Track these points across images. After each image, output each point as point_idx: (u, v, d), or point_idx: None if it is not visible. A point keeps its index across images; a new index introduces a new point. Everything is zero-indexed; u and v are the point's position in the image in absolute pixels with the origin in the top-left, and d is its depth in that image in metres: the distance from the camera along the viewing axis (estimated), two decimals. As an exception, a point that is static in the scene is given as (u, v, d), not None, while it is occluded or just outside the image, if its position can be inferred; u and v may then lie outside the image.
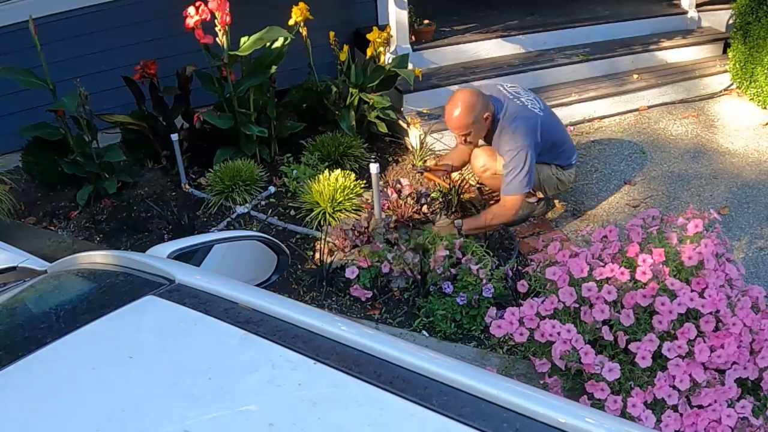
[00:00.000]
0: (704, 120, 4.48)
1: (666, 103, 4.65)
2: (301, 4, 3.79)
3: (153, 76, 3.78)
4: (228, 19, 3.50)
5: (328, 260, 3.24)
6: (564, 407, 1.07)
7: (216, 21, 3.50)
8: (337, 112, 4.06)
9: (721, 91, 4.76)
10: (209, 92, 3.84)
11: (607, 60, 4.72)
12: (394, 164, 4.11)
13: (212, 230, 3.54)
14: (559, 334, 2.35)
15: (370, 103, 4.01)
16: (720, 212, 3.47)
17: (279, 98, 4.13)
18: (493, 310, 2.70)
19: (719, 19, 5.16)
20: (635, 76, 4.70)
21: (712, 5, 5.23)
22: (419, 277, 3.02)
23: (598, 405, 2.25)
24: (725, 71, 4.76)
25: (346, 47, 4.02)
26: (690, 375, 2.20)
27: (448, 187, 3.54)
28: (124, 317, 1.32)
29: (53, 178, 3.90)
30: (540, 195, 3.56)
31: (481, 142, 3.43)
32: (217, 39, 3.58)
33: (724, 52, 4.91)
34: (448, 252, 3.01)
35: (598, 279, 2.39)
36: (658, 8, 5.26)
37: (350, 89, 4.01)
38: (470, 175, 3.74)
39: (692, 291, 2.29)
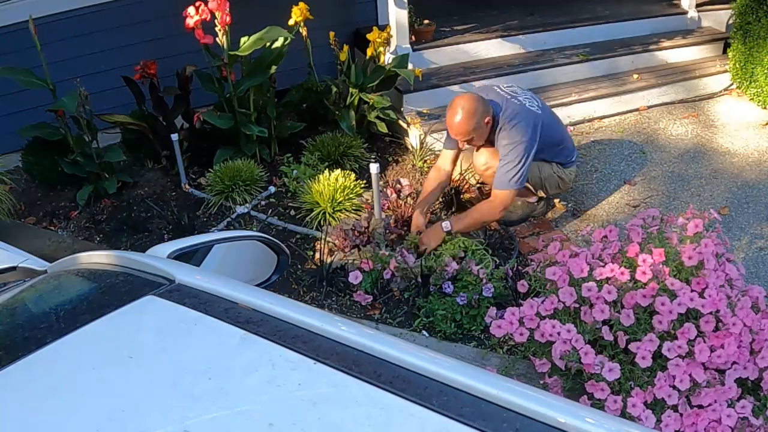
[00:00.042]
0: (704, 120, 4.49)
1: (666, 103, 4.65)
2: (301, 4, 3.79)
3: (153, 76, 3.78)
4: (228, 19, 3.50)
5: (328, 260, 3.24)
6: (564, 407, 1.07)
7: (216, 21, 3.50)
8: (337, 112, 4.06)
9: (721, 91, 4.76)
10: (209, 92, 3.84)
11: (607, 60, 4.72)
12: (394, 164, 4.11)
13: (212, 230, 3.54)
14: (559, 334, 2.35)
15: (370, 103, 4.01)
16: (720, 212, 3.47)
17: (279, 98, 4.13)
18: (493, 310, 2.71)
19: (719, 19, 5.16)
20: (635, 76, 4.70)
21: (712, 5, 5.23)
22: (420, 281, 3.02)
23: (598, 405, 2.25)
24: (725, 71, 4.76)
25: (346, 47, 4.02)
26: (690, 375, 2.20)
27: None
28: (124, 317, 1.32)
29: (53, 178, 3.90)
30: (541, 194, 3.56)
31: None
32: (217, 39, 3.58)
33: (724, 52, 4.91)
34: (455, 262, 2.99)
35: (598, 279, 2.39)
36: (658, 8, 5.26)
37: (350, 89, 4.01)
38: (470, 175, 3.74)
39: (692, 291, 2.29)
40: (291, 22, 3.80)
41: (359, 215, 3.46)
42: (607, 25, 4.95)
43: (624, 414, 2.21)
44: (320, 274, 3.17)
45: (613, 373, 2.23)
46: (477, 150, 3.41)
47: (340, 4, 4.61)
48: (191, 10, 3.47)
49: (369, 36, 3.96)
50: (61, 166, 3.74)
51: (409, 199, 3.47)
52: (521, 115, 3.21)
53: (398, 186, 3.55)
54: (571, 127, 4.34)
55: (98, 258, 1.69)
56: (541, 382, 2.47)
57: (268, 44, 3.72)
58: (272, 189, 3.82)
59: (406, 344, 1.25)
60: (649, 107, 4.61)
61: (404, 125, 4.22)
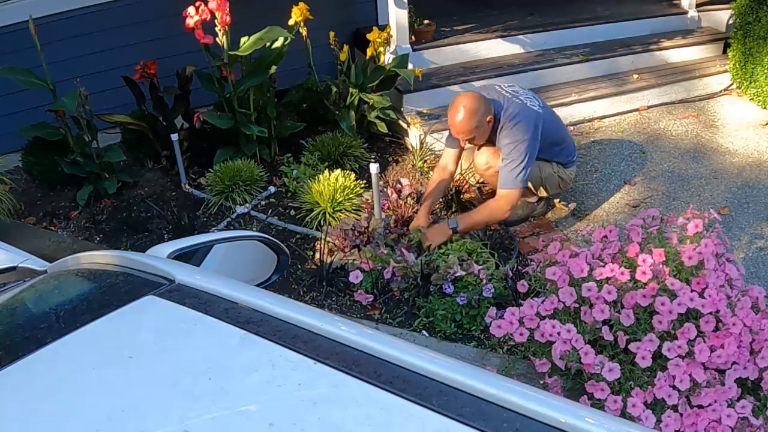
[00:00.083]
0: (704, 120, 4.48)
1: (666, 103, 4.65)
2: (301, 4, 3.79)
3: (153, 76, 3.78)
4: (228, 19, 3.51)
5: (328, 260, 3.24)
6: (564, 407, 1.07)
7: (216, 21, 3.50)
8: (337, 112, 4.06)
9: (721, 91, 4.76)
10: (209, 92, 3.84)
11: (607, 60, 4.72)
12: (394, 164, 4.11)
13: (212, 230, 3.54)
14: (559, 334, 2.35)
15: (370, 103, 4.01)
16: (720, 212, 3.47)
17: (279, 98, 4.13)
18: (493, 310, 2.71)
19: (719, 19, 5.16)
20: (635, 76, 4.70)
21: (712, 5, 5.23)
22: (421, 283, 3.02)
23: (598, 405, 2.25)
24: (725, 71, 4.76)
25: (346, 47, 4.02)
26: (690, 375, 2.20)
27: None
28: (124, 317, 1.32)
29: (53, 178, 3.90)
30: (541, 194, 3.56)
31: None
32: (217, 39, 3.58)
33: (724, 52, 4.91)
34: (460, 269, 2.98)
35: (598, 279, 2.39)
36: (658, 8, 5.26)
37: (350, 89, 4.01)
38: (470, 175, 3.74)
39: (692, 291, 2.29)
40: (291, 22, 3.80)
41: (359, 215, 3.46)
42: (607, 25, 4.95)
43: (624, 414, 2.21)
44: (320, 274, 3.17)
45: (613, 373, 2.23)
46: (478, 149, 3.41)
47: (340, 4, 4.61)
48: (191, 10, 3.47)
49: (369, 36, 3.96)
50: (61, 166, 3.74)
51: (409, 199, 3.47)
52: (523, 114, 3.21)
53: (398, 186, 3.55)
54: (571, 127, 4.34)
55: (98, 258, 1.69)
56: (541, 382, 2.47)
57: (268, 44, 3.72)
58: (272, 189, 3.82)
59: (406, 344, 1.25)
60: (649, 107, 4.61)
61: (404, 125, 4.22)
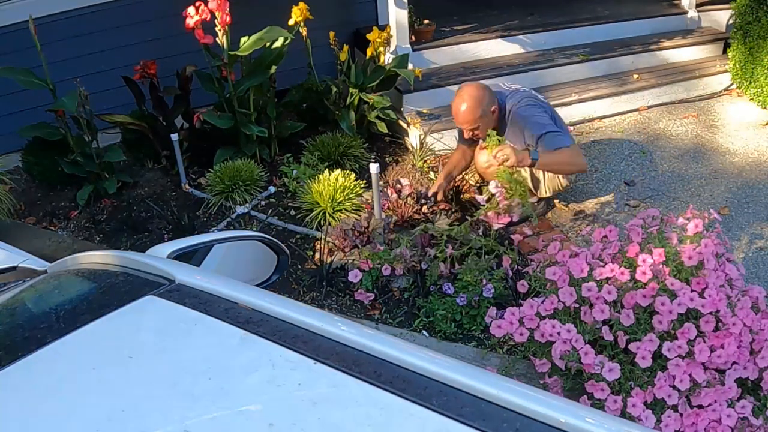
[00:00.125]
0: (704, 120, 4.48)
1: (666, 103, 4.65)
2: (301, 4, 3.79)
3: (153, 76, 3.78)
4: (228, 19, 3.51)
5: (328, 260, 3.24)
6: (564, 407, 1.07)
7: (216, 21, 3.50)
8: (337, 112, 4.06)
9: (721, 91, 4.76)
10: (209, 92, 3.84)
11: (607, 60, 4.72)
12: (394, 164, 4.11)
13: (212, 230, 3.54)
14: (559, 334, 2.35)
15: (370, 103, 4.01)
16: (720, 212, 3.47)
17: (279, 98, 4.13)
18: (493, 310, 2.71)
19: (719, 19, 5.16)
20: (635, 76, 4.70)
21: (712, 5, 5.23)
22: (419, 270, 3.02)
23: (598, 405, 2.25)
24: (725, 71, 4.76)
25: (346, 47, 4.02)
26: (690, 375, 2.20)
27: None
28: (124, 317, 1.32)
29: (53, 178, 3.90)
30: (541, 194, 3.55)
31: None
32: (217, 39, 3.58)
33: (724, 52, 4.91)
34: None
35: (598, 279, 2.39)
36: (658, 8, 5.26)
37: (350, 89, 4.01)
38: (470, 175, 3.74)
39: (692, 291, 2.29)
40: (291, 22, 3.80)
41: (359, 215, 3.46)
42: (607, 25, 4.95)
43: (624, 414, 2.21)
44: (320, 274, 3.17)
45: (613, 373, 2.23)
46: (479, 148, 3.42)
47: (340, 4, 4.61)
48: (191, 10, 3.47)
49: (369, 36, 3.96)
50: (61, 166, 3.74)
51: (409, 199, 3.47)
52: (528, 98, 3.28)
53: (398, 186, 3.55)
54: (571, 127, 4.33)
55: (98, 258, 1.69)
56: (541, 382, 2.47)
57: (268, 44, 3.72)
58: (272, 189, 3.82)
59: (406, 344, 1.25)
60: (649, 107, 4.61)
61: (404, 125, 4.21)
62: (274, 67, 3.79)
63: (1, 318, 1.58)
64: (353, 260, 3.17)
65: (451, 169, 3.57)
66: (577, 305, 2.40)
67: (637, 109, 4.58)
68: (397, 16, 4.21)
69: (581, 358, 2.28)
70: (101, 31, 4.01)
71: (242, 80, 3.77)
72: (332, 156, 3.90)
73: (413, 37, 4.46)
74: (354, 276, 3.01)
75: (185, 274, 1.44)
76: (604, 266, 2.41)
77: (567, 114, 4.31)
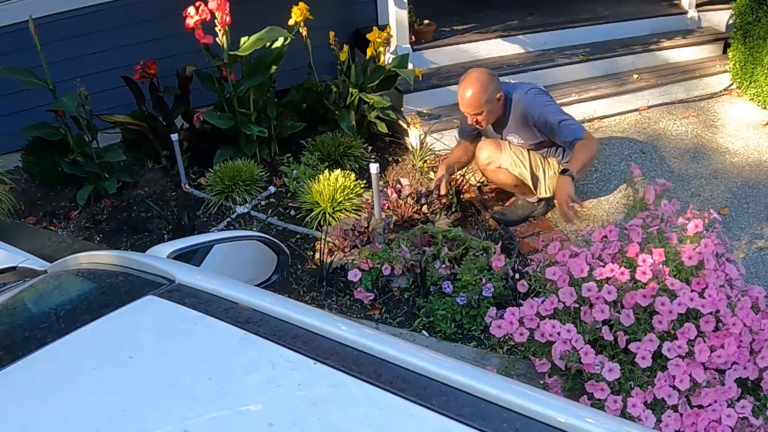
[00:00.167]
0: (704, 120, 4.48)
1: (666, 103, 4.65)
2: (301, 4, 3.78)
3: (153, 76, 3.78)
4: (228, 19, 3.51)
5: (328, 260, 3.24)
6: (564, 407, 1.07)
7: (216, 21, 3.50)
8: (337, 112, 4.06)
9: (721, 91, 4.76)
10: (209, 92, 3.84)
11: (607, 60, 4.72)
12: (394, 164, 4.11)
13: (212, 230, 3.54)
14: (559, 334, 2.35)
15: (370, 103, 4.01)
16: (720, 212, 3.47)
17: (279, 98, 4.13)
18: (493, 310, 2.71)
19: (719, 19, 5.16)
20: (635, 76, 4.70)
21: (712, 5, 5.23)
22: (419, 272, 3.02)
23: (598, 405, 2.25)
24: (725, 71, 4.76)
25: (346, 47, 4.02)
26: (690, 375, 2.20)
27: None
28: (124, 317, 1.32)
29: (53, 178, 3.90)
30: (541, 194, 3.55)
31: (489, 131, 3.43)
32: (217, 39, 3.58)
33: (724, 52, 4.91)
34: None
35: (598, 279, 2.39)
36: (658, 8, 5.26)
37: (350, 89, 4.01)
38: (470, 175, 3.74)
39: (692, 291, 2.29)
40: (291, 22, 3.80)
41: (359, 215, 3.46)
42: (607, 25, 4.95)
43: (624, 414, 2.21)
44: (320, 274, 3.17)
45: (613, 373, 2.23)
46: (480, 143, 3.43)
47: (340, 4, 4.61)
48: (191, 10, 3.47)
49: (369, 36, 3.96)
50: (61, 166, 3.74)
51: (409, 199, 3.47)
52: (534, 89, 3.30)
53: (398, 186, 3.55)
54: (571, 127, 4.34)
55: (98, 258, 1.69)
56: (541, 382, 2.47)
57: (268, 44, 3.72)
58: (272, 189, 3.82)
59: (406, 344, 1.25)
60: (649, 107, 4.61)
61: (404, 125, 4.21)
62: (274, 67, 3.79)
63: (1, 318, 1.58)
64: (353, 260, 3.17)
65: (452, 162, 3.58)
66: (577, 305, 2.40)
67: (637, 109, 4.58)
68: (397, 16, 4.21)
69: (581, 358, 2.28)
70: (101, 31, 4.01)
71: (242, 80, 3.77)
72: (332, 156, 3.90)
73: (413, 37, 4.46)
74: (353, 275, 3.01)
75: (185, 274, 1.44)
76: (604, 266, 2.41)
77: (567, 114, 4.31)
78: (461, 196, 3.63)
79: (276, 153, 4.08)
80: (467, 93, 3.16)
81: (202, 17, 3.45)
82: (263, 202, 3.76)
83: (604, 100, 4.51)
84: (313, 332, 1.22)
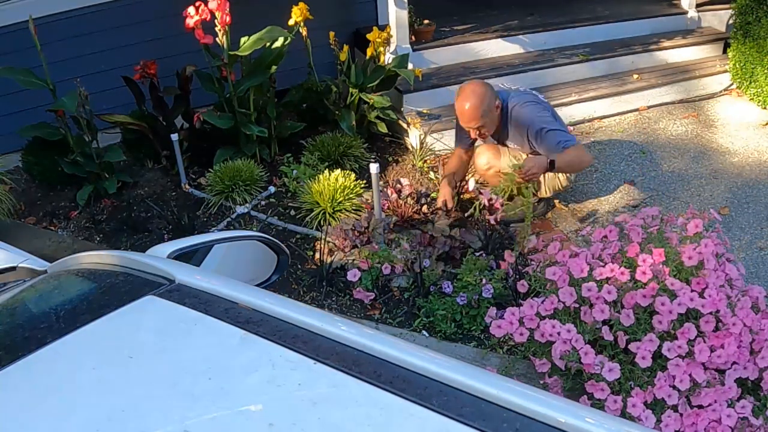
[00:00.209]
0: (704, 120, 4.48)
1: (666, 103, 4.65)
2: (301, 4, 3.78)
3: (153, 76, 3.78)
4: (228, 19, 3.51)
5: (328, 260, 3.24)
6: (564, 407, 1.07)
7: (216, 21, 3.50)
8: (337, 112, 4.06)
9: (721, 91, 4.76)
10: (209, 92, 3.84)
11: (607, 60, 4.73)
12: (394, 164, 4.11)
13: (212, 230, 3.54)
14: (559, 334, 2.35)
15: (370, 103, 4.01)
16: (720, 212, 3.47)
17: (279, 98, 4.13)
18: (493, 310, 2.70)
19: (719, 19, 5.16)
20: (635, 76, 4.70)
21: (712, 5, 5.23)
22: (418, 271, 3.02)
23: (598, 405, 2.25)
24: (725, 71, 4.76)
25: (346, 47, 4.02)
26: (690, 375, 2.20)
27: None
28: (124, 317, 1.32)
29: (53, 178, 3.90)
30: (541, 194, 3.55)
31: (488, 139, 3.43)
32: (217, 39, 3.58)
33: (724, 52, 4.91)
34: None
35: (598, 279, 2.39)
36: (658, 8, 5.26)
37: (350, 89, 4.01)
38: (470, 175, 3.74)
39: (692, 291, 2.29)
40: (291, 22, 3.80)
41: (359, 215, 3.47)
42: (607, 25, 4.96)
43: (624, 414, 2.21)
44: (320, 274, 3.17)
45: (613, 373, 2.23)
46: (478, 148, 3.42)
47: (340, 4, 4.61)
48: (191, 10, 3.47)
49: (369, 36, 3.96)
50: (61, 166, 3.74)
51: (409, 199, 3.47)
52: (529, 96, 3.30)
53: (398, 186, 3.55)
54: (571, 127, 4.34)
55: (98, 258, 1.69)
56: (541, 382, 2.47)
57: (268, 44, 3.72)
58: (272, 189, 3.82)
59: (406, 344, 1.25)
60: (649, 107, 4.61)
61: (404, 125, 4.21)
62: (274, 67, 3.79)
63: (1, 318, 1.58)
64: (353, 260, 3.17)
65: (451, 176, 3.52)
66: (577, 305, 2.40)
67: (637, 109, 4.58)
68: (397, 16, 4.22)
69: (581, 358, 2.28)
70: (101, 31, 4.01)
71: (242, 80, 3.77)
72: (332, 156, 3.90)
73: (413, 37, 4.46)
74: (353, 275, 3.01)
75: (185, 274, 1.44)
76: (604, 266, 2.41)
77: (567, 114, 4.31)
78: (461, 196, 3.63)
79: (276, 153, 4.08)
80: (465, 107, 3.16)
81: (202, 17, 3.45)
82: (263, 202, 3.76)
83: (604, 100, 4.51)
84: (313, 332, 1.22)
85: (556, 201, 3.72)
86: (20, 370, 1.18)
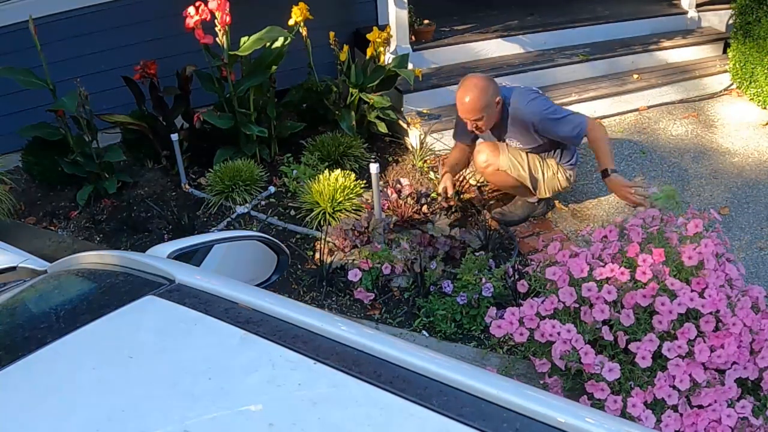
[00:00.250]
0: (704, 120, 4.48)
1: (666, 103, 4.65)
2: (301, 4, 3.78)
3: (153, 76, 3.78)
4: (228, 19, 3.50)
5: (328, 260, 3.24)
6: (564, 407, 1.07)
7: (216, 21, 3.50)
8: (337, 112, 4.06)
9: (721, 91, 4.76)
10: (209, 92, 3.84)
11: (607, 60, 4.72)
12: (394, 164, 4.11)
13: (212, 230, 3.54)
14: (559, 334, 2.35)
15: (370, 103, 4.01)
16: (720, 212, 3.47)
17: (279, 98, 4.13)
18: (493, 310, 2.71)
19: (719, 19, 5.16)
20: (635, 76, 4.70)
21: (712, 5, 5.23)
22: (418, 271, 3.02)
23: (598, 405, 2.25)
24: (725, 71, 4.76)
25: (346, 47, 4.02)
26: (690, 375, 2.20)
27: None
28: (124, 317, 1.32)
29: (53, 178, 3.90)
30: (541, 194, 3.55)
31: (487, 136, 3.43)
32: (217, 39, 3.58)
33: (724, 52, 4.91)
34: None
35: (598, 279, 2.39)
36: (658, 8, 5.26)
37: (350, 89, 4.01)
38: (470, 175, 3.74)
39: (692, 291, 2.29)
40: (291, 22, 3.80)
41: (359, 215, 3.46)
42: (607, 25, 4.95)
43: (624, 414, 2.21)
44: (320, 274, 3.17)
45: (613, 373, 2.24)
46: (477, 146, 3.42)
47: (340, 4, 4.60)
48: (191, 10, 3.47)
49: (369, 36, 3.96)
50: (61, 166, 3.74)
51: (409, 199, 3.47)
52: (532, 93, 3.29)
53: (398, 186, 3.55)
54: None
55: (98, 258, 1.69)
56: (541, 382, 2.47)
57: (268, 44, 3.72)
58: (272, 189, 3.82)
59: (406, 344, 1.25)
60: (649, 107, 4.61)
61: (404, 125, 4.21)
62: (274, 67, 3.79)
63: (1, 318, 1.58)
64: (353, 260, 3.17)
65: (452, 165, 3.57)
66: (577, 305, 2.40)
67: (637, 109, 4.58)
68: (397, 16, 4.21)
69: (581, 358, 2.28)
70: (101, 31, 4.00)
71: (242, 80, 3.77)
72: (332, 156, 3.90)
73: (413, 37, 4.46)
74: (353, 275, 3.01)
75: (185, 274, 1.44)
76: (604, 266, 2.41)
77: (567, 114, 4.31)
78: (461, 196, 3.63)
79: (276, 153, 4.08)
80: (466, 99, 3.16)
81: (202, 17, 3.45)
82: (263, 202, 3.76)
83: (604, 100, 4.51)
84: (313, 332, 1.22)
85: (556, 201, 3.72)
86: (20, 370, 1.18)
